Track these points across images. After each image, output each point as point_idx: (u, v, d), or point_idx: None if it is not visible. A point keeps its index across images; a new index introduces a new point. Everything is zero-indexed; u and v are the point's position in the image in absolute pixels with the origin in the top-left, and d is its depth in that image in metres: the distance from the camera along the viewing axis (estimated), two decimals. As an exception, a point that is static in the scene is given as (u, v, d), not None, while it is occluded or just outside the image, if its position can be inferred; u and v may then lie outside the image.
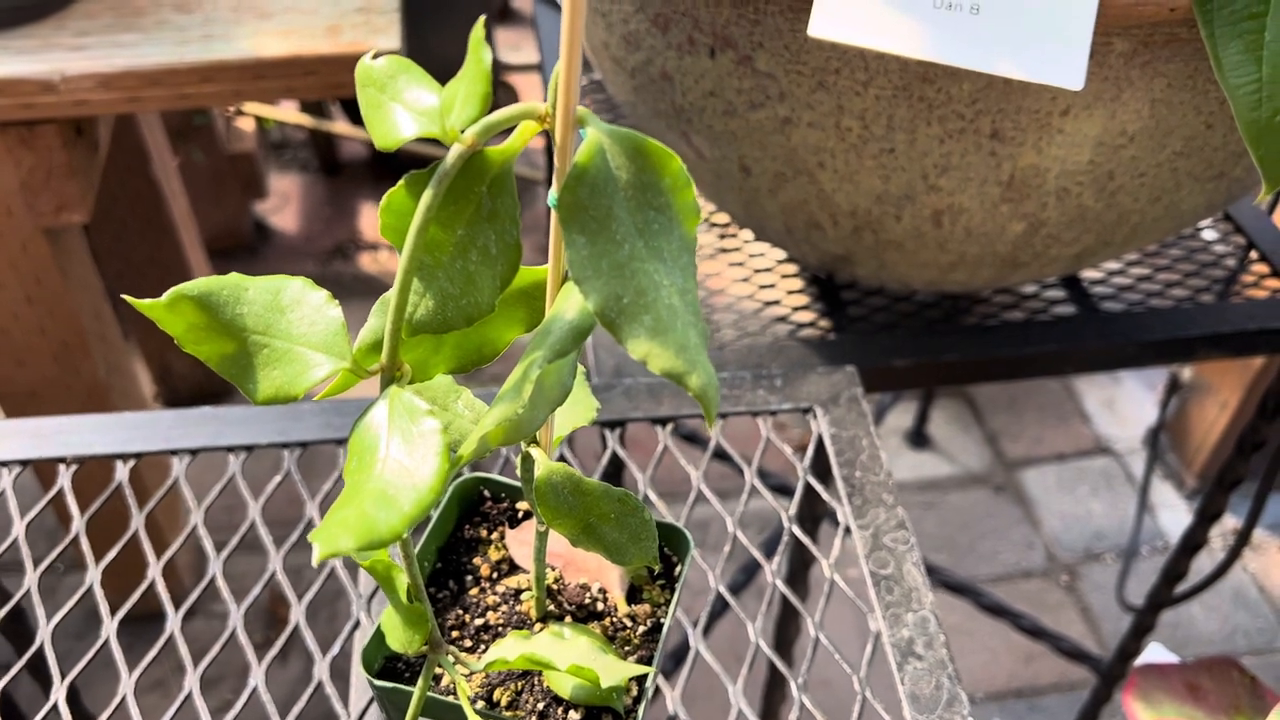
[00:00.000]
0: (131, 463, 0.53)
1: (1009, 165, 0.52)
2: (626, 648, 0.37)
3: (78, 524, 0.51)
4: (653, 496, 0.53)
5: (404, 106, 0.24)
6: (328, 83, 0.84)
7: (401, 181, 0.25)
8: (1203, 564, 1.21)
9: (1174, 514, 1.38)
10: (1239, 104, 0.44)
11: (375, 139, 0.24)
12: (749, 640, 0.47)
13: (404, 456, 0.25)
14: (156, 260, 1.30)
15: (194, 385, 1.48)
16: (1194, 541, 0.84)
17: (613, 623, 0.38)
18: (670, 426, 0.55)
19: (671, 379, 0.24)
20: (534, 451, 0.32)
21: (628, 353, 0.24)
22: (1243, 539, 0.82)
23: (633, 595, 0.39)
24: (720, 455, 0.56)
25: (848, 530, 0.50)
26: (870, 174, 0.54)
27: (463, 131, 0.23)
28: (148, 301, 0.26)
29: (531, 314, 0.30)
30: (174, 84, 0.81)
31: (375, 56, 0.24)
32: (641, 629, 0.37)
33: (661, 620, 0.38)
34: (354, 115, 1.84)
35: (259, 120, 1.76)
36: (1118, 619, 1.27)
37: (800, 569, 0.68)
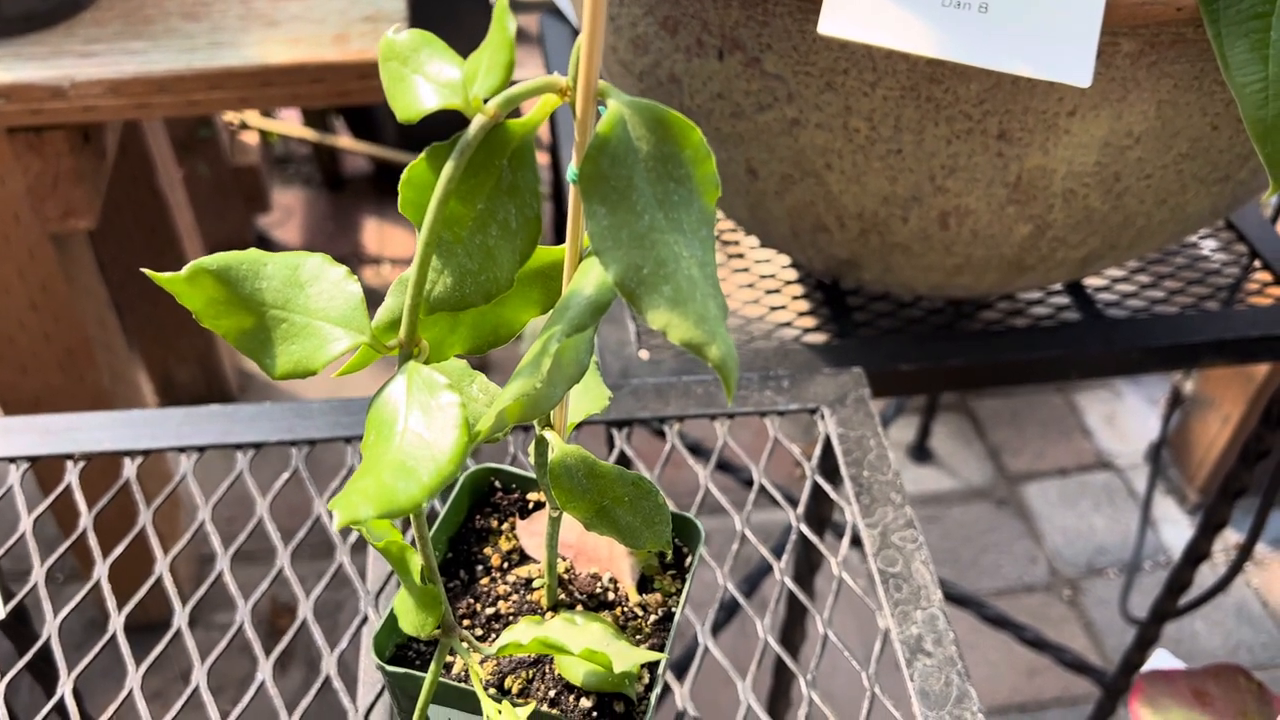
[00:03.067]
0: (139, 459, 0.53)
1: (1016, 166, 0.52)
2: (638, 636, 0.37)
3: (85, 520, 0.50)
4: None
5: (426, 78, 0.24)
6: (334, 90, 0.84)
7: (422, 154, 0.25)
8: (1205, 578, 1.21)
9: (1176, 529, 1.38)
10: (1246, 102, 0.44)
11: (397, 111, 0.24)
12: (754, 647, 0.47)
13: (423, 429, 0.25)
14: (159, 270, 1.30)
15: (195, 395, 1.48)
16: (1198, 552, 0.84)
17: (624, 612, 0.38)
18: (677, 426, 0.55)
19: (690, 349, 0.24)
20: (548, 435, 0.32)
21: (647, 323, 0.24)
22: (1246, 551, 0.82)
23: (644, 585, 0.39)
24: (723, 466, 0.56)
25: (856, 529, 0.50)
26: (878, 175, 0.55)
27: (485, 102, 0.23)
28: (168, 276, 0.26)
29: (548, 295, 0.30)
30: (182, 90, 0.82)
31: (397, 30, 0.25)
32: (653, 618, 0.37)
33: (673, 610, 0.38)
34: (357, 129, 1.85)
35: (263, 134, 1.77)
36: (1120, 633, 1.26)
37: (806, 573, 0.68)
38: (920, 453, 1.47)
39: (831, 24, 0.45)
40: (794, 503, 0.53)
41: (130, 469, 0.52)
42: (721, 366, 0.24)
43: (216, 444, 0.53)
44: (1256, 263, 0.75)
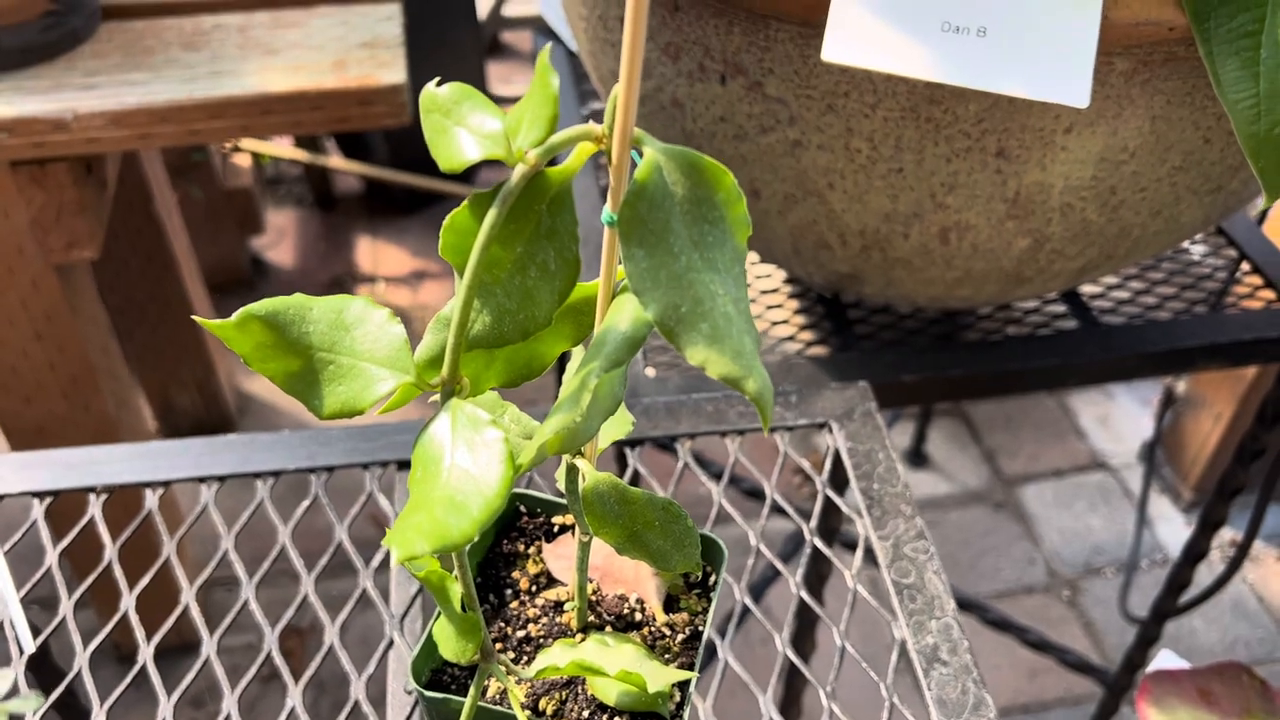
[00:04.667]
0: (160, 490, 0.53)
1: (1014, 183, 0.54)
2: (667, 655, 0.38)
3: (110, 552, 0.51)
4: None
5: (469, 130, 0.25)
6: (334, 117, 0.85)
7: (465, 202, 0.26)
8: (1202, 576, 1.23)
9: (1171, 527, 1.40)
10: (1239, 118, 0.45)
11: (440, 161, 0.25)
12: (761, 655, 0.48)
13: (469, 464, 0.26)
14: (158, 296, 1.31)
15: (195, 420, 1.48)
16: (1197, 550, 0.85)
17: (651, 632, 0.38)
18: (689, 444, 0.56)
19: (728, 383, 0.25)
20: (579, 462, 0.33)
21: (685, 359, 0.25)
22: (1244, 549, 0.83)
23: (670, 605, 0.40)
24: (732, 479, 0.57)
25: (869, 541, 0.51)
26: (879, 194, 0.56)
27: (527, 152, 0.24)
28: (218, 322, 0.27)
29: (579, 329, 0.31)
30: (183, 120, 0.83)
31: (439, 84, 0.26)
32: (680, 637, 0.38)
33: (700, 628, 0.39)
34: (349, 150, 1.86)
35: (255, 156, 1.77)
36: (1120, 632, 1.28)
37: (815, 583, 0.69)
38: (916, 458, 1.49)
39: (835, 51, 0.47)
40: (805, 515, 0.54)
41: (152, 500, 0.53)
42: (759, 399, 0.25)
43: (237, 473, 0.54)
44: (1245, 266, 0.76)
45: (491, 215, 0.25)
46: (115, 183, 0.97)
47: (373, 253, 1.85)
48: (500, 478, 0.26)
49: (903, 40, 0.47)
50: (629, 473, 0.56)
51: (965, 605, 1.08)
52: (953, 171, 0.53)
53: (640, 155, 0.26)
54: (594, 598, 0.39)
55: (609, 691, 0.36)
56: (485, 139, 0.25)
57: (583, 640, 0.37)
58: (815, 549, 0.53)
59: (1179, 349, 0.69)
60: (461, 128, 0.25)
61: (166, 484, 0.54)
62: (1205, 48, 0.45)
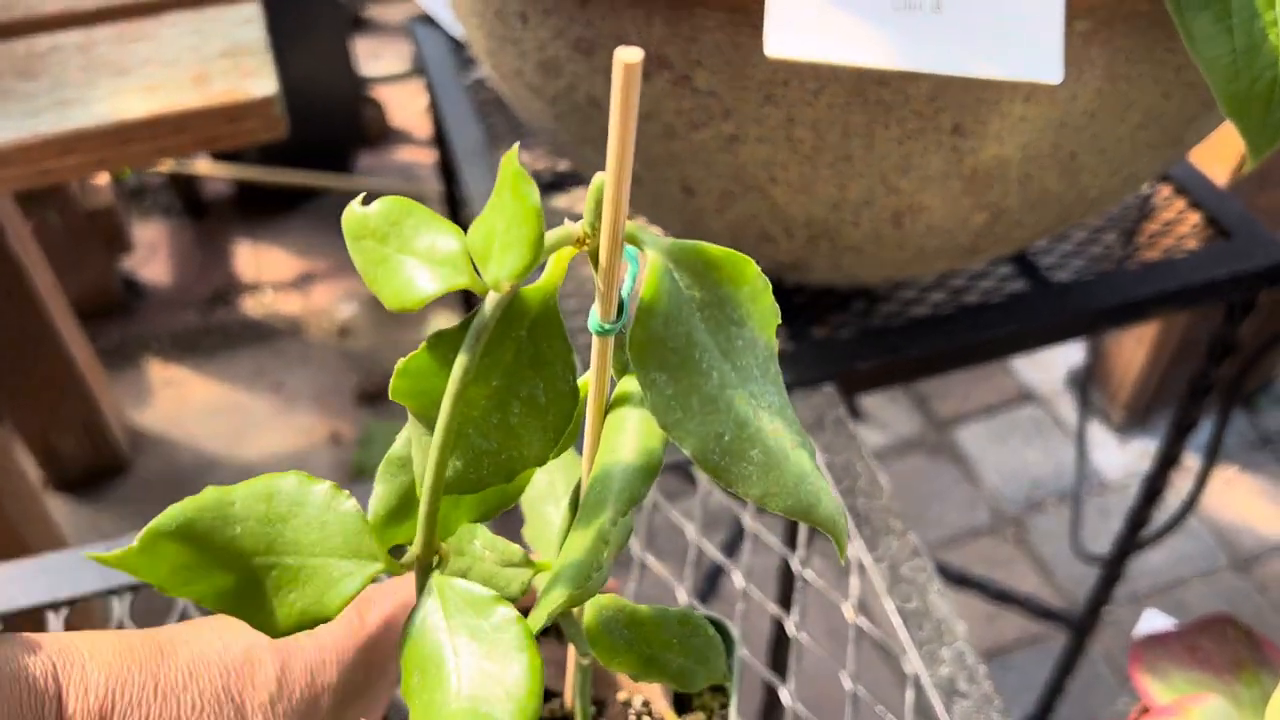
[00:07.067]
0: (64, 611, 0.47)
1: (972, 160, 0.50)
2: None
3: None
4: (650, 560, 0.49)
5: (417, 258, 0.19)
6: (202, 138, 0.77)
7: (423, 344, 0.20)
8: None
9: (1106, 452, 1.41)
10: (1216, 77, 0.42)
11: (384, 299, 0.20)
12: (756, 689, 0.44)
13: (483, 660, 0.21)
14: (25, 336, 1.20)
15: (84, 466, 1.38)
16: (1155, 488, 0.84)
17: None
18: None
19: (797, 517, 0.20)
20: None
21: (740, 496, 0.20)
22: (1201, 481, 0.82)
23: (681, 703, 0.35)
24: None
25: (861, 565, 0.48)
26: (826, 183, 0.51)
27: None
28: (114, 554, 0.21)
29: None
30: (30, 161, 0.73)
31: (365, 201, 0.20)
32: None
33: None
34: (214, 151, 1.74)
35: (113, 171, 1.65)
36: (1070, 564, 1.28)
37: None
38: (850, 411, 1.47)
39: (778, 44, 0.42)
40: (787, 541, 0.50)
41: (56, 624, 0.46)
42: (833, 528, 0.21)
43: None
44: (1182, 201, 0.74)
45: (464, 360, 0.20)
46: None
47: (254, 258, 1.74)
48: (527, 669, 0.21)
49: (852, 24, 0.42)
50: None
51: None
52: (905, 154, 0.49)
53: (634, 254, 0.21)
54: (594, 711, 0.35)
55: None
56: (442, 267, 0.19)
57: None
58: (804, 580, 0.49)
59: (1132, 302, 0.66)
60: (407, 255, 0.20)
61: (72, 603, 0.47)
62: (1174, 3, 0.42)
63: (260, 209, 1.80)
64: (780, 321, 0.21)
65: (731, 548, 1.04)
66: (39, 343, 1.21)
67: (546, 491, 0.31)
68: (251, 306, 1.64)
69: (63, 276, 1.39)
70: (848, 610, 0.47)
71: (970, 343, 0.65)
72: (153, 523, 0.21)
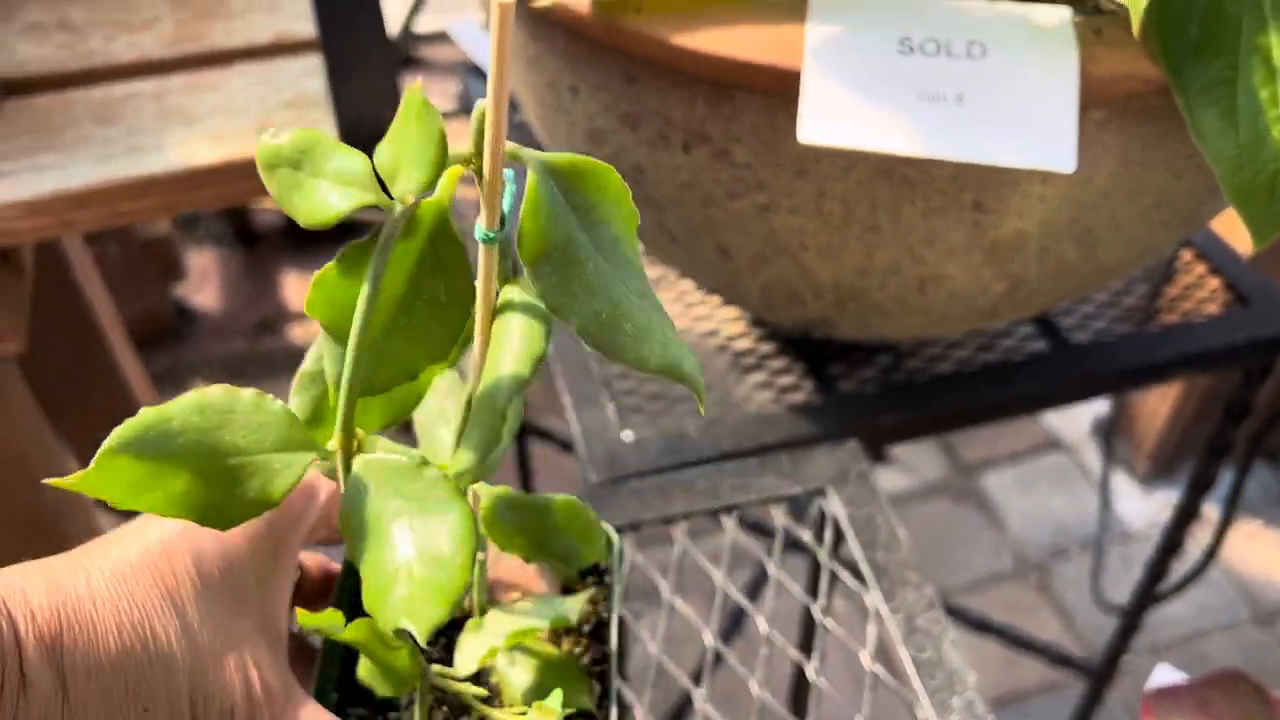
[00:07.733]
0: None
1: (992, 233, 0.53)
2: (577, 649, 0.37)
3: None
4: (678, 603, 0.52)
5: (328, 180, 0.24)
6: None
7: (334, 260, 0.25)
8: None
9: (1129, 501, 1.42)
10: (1222, 168, 0.45)
11: (299, 218, 0.24)
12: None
13: (415, 517, 0.25)
14: (85, 368, 1.25)
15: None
16: (1173, 542, 0.86)
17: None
18: (685, 524, 0.55)
19: (664, 373, 0.25)
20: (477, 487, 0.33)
21: (618, 362, 0.25)
22: (1219, 536, 0.84)
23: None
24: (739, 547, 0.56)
25: (879, 615, 0.50)
26: (854, 252, 0.55)
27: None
28: (73, 477, 0.24)
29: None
30: (105, 203, 0.78)
31: (274, 134, 0.24)
32: (587, 628, 0.37)
33: (604, 615, 0.37)
34: (266, 183, 1.80)
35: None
36: (1091, 613, 1.29)
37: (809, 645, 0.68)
38: (876, 455, 1.49)
39: (811, 132, 0.45)
40: (809, 588, 0.53)
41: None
42: (694, 381, 0.25)
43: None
44: (1203, 266, 0.77)
45: (375, 263, 0.24)
46: (34, 266, 0.92)
47: (300, 289, 1.79)
48: (462, 516, 0.25)
49: (879, 114, 0.45)
50: (627, 564, 0.54)
51: (947, 611, 1.08)
52: (930, 228, 0.52)
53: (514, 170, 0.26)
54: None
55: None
56: (351, 186, 0.24)
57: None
58: (823, 627, 0.52)
59: (1151, 364, 0.69)
60: (319, 179, 0.24)
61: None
62: (1183, 99, 0.45)
63: (309, 240, 1.86)
64: (639, 221, 0.26)
65: (755, 586, 1.07)
66: (99, 372, 1.26)
67: (438, 416, 0.33)
68: (298, 335, 1.70)
69: (120, 304, 1.44)
70: (865, 658, 0.50)
71: (993, 400, 0.67)
72: (104, 445, 0.24)
